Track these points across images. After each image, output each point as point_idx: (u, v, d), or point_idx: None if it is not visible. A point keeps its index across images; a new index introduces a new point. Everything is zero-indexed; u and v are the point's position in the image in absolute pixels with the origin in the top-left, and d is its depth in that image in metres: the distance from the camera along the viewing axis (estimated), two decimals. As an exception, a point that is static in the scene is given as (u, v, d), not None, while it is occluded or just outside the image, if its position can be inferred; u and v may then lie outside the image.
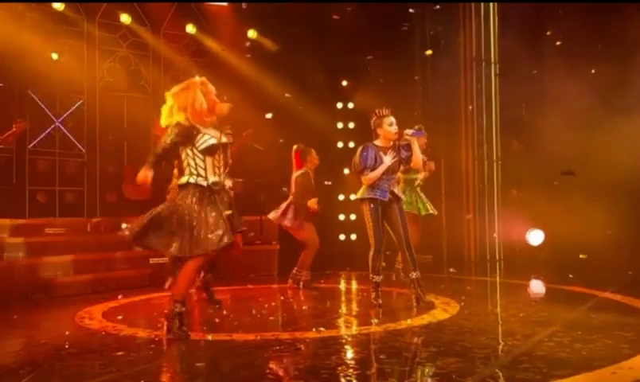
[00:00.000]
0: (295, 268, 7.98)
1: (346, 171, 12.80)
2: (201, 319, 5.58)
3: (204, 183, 4.96)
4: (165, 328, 4.99)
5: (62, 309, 6.76)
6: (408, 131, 6.22)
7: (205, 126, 5.02)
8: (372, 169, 6.15)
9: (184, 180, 5.01)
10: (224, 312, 6.30)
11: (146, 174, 4.84)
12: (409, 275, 6.28)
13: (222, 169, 5.07)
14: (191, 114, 4.96)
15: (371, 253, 6.25)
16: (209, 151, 4.99)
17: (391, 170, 6.24)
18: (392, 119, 6.24)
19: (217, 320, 5.89)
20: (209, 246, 4.80)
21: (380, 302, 6.29)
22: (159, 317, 5.65)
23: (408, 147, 6.27)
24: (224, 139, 5.08)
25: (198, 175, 4.98)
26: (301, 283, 7.88)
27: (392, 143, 6.26)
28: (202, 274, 6.64)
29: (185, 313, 5.01)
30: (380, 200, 6.19)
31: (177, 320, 4.94)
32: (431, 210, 8.30)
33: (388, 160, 6.17)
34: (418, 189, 8.27)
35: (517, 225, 10.77)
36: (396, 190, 6.35)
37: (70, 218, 10.18)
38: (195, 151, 4.98)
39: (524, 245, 10.86)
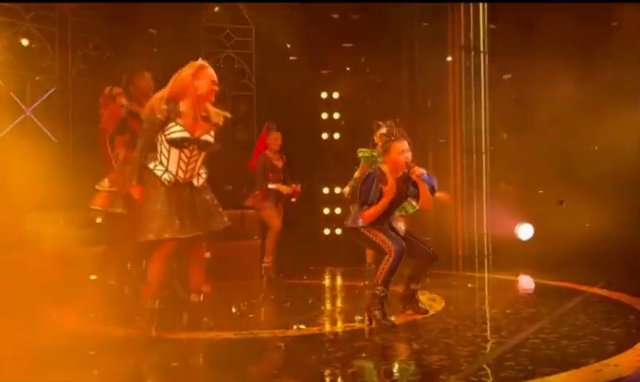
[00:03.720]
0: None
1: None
2: (177, 317, 5.38)
3: (160, 174, 4.70)
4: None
5: (22, 307, 6.37)
6: (419, 172, 5.12)
7: (194, 116, 4.69)
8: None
9: (149, 164, 4.75)
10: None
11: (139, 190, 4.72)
12: (410, 285, 5.49)
13: (191, 167, 4.76)
14: (180, 97, 4.66)
15: (390, 260, 5.06)
16: (175, 143, 4.68)
17: (393, 205, 5.27)
18: (405, 145, 5.16)
19: (194, 317, 5.65)
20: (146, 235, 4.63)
21: (393, 320, 5.19)
22: (132, 315, 5.48)
23: (416, 185, 5.27)
24: (207, 137, 4.76)
25: (160, 163, 4.73)
26: (263, 270, 7.94)
27: (400, 174, 5.24)
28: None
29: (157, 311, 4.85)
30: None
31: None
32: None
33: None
34: None
35: (507, 219, 10.67)
36: (397, 226, 5.35)
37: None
38: (163, 139, 4.70)
39: (514, 240, 10.77)
